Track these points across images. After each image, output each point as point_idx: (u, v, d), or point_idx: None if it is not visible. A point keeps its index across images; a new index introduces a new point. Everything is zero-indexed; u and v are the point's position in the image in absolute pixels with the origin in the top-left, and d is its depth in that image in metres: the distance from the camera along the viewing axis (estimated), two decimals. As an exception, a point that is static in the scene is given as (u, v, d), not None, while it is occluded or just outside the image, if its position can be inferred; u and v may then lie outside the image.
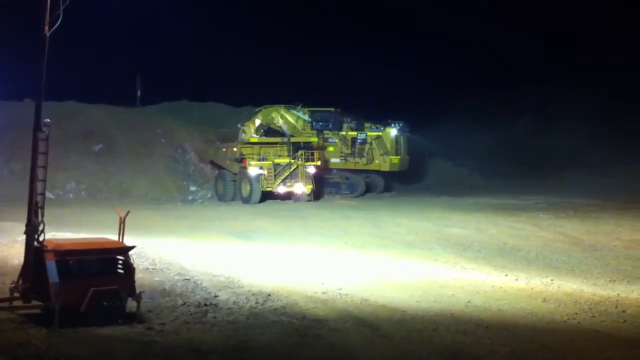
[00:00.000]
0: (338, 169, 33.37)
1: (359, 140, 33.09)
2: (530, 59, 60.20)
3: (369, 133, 33.04)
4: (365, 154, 32.92)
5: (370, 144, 32.95)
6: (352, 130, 33.50)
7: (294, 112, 33.30)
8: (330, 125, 33.26)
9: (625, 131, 46.91)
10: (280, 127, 32.75)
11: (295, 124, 32.98)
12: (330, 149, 33.18)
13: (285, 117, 32.88)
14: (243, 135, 32.52)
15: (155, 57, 54.32)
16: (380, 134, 32.92)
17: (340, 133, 33.20)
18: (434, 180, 39.99)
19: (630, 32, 54.50)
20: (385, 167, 33.14)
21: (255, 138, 30.89)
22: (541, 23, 60.21)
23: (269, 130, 32.75)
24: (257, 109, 33.40)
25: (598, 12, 56.79)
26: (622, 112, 48.61)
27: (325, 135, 33.07)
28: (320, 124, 33.18)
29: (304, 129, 32.90)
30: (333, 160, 33.22)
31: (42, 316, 9.32)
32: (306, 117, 33.21)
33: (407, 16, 64.89)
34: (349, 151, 32.99)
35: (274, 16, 63.25)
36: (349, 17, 64.98)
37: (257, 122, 32.72)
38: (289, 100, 33.75)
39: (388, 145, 32.82)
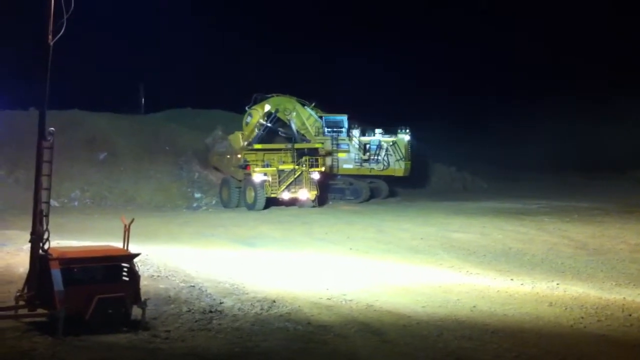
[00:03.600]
0: (347, 175, 33.32)
1: (372, 146, 33.26)
2: (534, 63, 60.31)
3: (382, 139, 33.23)
4: (381, 160, 33.08)
5: (387, 149, 33.15)
6: (362, 136, 33.64)
7: (307, 108, 33.34)
8: (343, 131, 33.38)
9: (630, 134, 46.86)
10: (288, 119, 32.75)
11: (305, 120, 32.99)
12: (342, 154, 33.18)
13: (297, 111, 32.93)
14: (249, 119, 32.45)
15: (159, 65, 54.57)
16: (395, 139, 33.18)
17: (355, 139, 33.28)
18: (437, 185, 39.99)
19: (633, 35, 54.63)
20: (400, 173, 33.42)
21: (257, 145, 30.77)
22: (545, 32, 60.40)
23: (276, 120, 32.81)
24: (268, 95, 33.28)
25: (600, 18, 56.92)
26: (626, 115, 48.56)
27: (340, 141, 33.09)
28: (333, 129, 33.29)
29: (314, 129, 32.86)
30: (345, 166, 33.22)
31: (47, 324, 9.32)
32: (317, 117, 33.23)
33: (409, 18, 65.03)
34: (365, 157, 33.09)
35: (275, 22, 63.49)
36: (347, 19, 65.17)
37: (267, 107, 32.61)
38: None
39: (403, 151, 33.05)
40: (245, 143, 32.04)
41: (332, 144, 32.75)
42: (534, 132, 52.66)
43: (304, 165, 29.68)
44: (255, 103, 33.28)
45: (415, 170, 34.92)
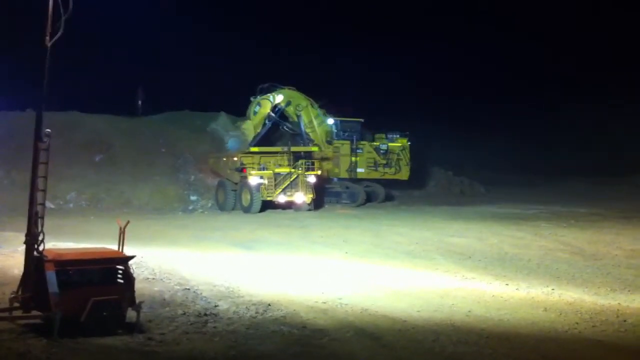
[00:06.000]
0: (344, 179, 33.47)
1: (381, 151, 33.67)
2: (532, 69, 60.40)
3: (390, 144, 33.67)
4: (393, 164, 33.55)
5: (398, 154, 33.60)
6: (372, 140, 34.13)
7: (317, 108, 33.40)
8: (358, 136, 33.62)
9: (625, 140, 46.96)
10: (298, 115, 32.64)
11: (313, 119, 33.02)
12: (353, 158, 33.37)
13: (307, 110, 32.95)
14: (258, 108, 32.10)
15: (157, 67, 54.47)
16: (404, 143, 33.75)
17: (369, 143, 33.64)
18: (434, 189, 40.01)
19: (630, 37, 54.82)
20: (406, 176, 34.38)
21: (254, 148, 30.56)
22: (545, 35, 60.48)
23: (281, 116, 32.83)
24: (280, 86, 33.06)
25: (597, 22, 57.06)
26: (620, 120, 48.71)
27: (359, 146, 33.31)
28: (347, 133, 33.51)
29: (321, 131, 32.88)
30: (358, 170, 33.49)
31: (42, 326, 9.30)
32: (324, 116, 33.32)
33: (407, 21, 64.97)
34: (384, 161, 33.47)
35: (275, 23, 63.50)
36: (348, 20, 65.14)
37: (279, 98, 32.28)
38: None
39: (409, 155, 33.82)
40: (255, 133, 31.91)
41: (352, 148, 33.04)
42: (534, 136, 52.79)
43: (300, 169, 29.69)
44: (261, 93, 33.01)
45: (412, 174, 35.30)
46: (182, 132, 37.10)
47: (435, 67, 58.96)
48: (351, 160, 33.08)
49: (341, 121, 33.64)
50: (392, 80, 56.21)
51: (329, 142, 33.10)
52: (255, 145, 31.18)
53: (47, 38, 9.69)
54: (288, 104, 32.89)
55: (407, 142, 34.18)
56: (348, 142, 33.16)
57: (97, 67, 52.32)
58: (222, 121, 33.43)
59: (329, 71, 53.94)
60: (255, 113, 32.22)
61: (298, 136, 33.44)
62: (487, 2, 63.08)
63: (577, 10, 58.17)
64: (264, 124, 32.44)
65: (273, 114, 32.52)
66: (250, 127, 31.93)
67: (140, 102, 42.97)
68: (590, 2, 58.13)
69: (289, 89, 33.03)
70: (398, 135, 34.25)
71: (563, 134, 52.83)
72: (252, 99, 32.82)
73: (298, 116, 33.02)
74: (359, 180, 33.47)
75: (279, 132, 34.46)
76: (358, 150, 33.36)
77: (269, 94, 32.45)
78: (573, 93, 54.61)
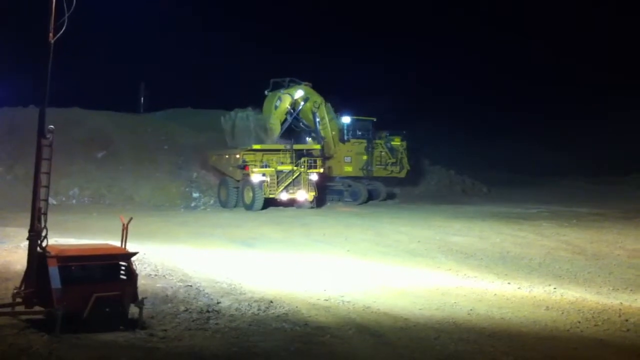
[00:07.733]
0: (346, 177, 33.55)
1: (387, 149, 34.04)
2: (533, 69, 60.44)
3: (392, 143, 33.89)
4: (398, 162, 33.87)
5: (401, 152, 33.83)
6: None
7: (329, 106, 33.53)
8: (370, 135, 33.78)
9: (625, 139, 46.94)
10: (314, 112, 32.69)
11: (326, 116, 33.13)
12: (365, 157, 33.45)
13: (321, 108, 33.03)
14: (278, 102, 32.07)
15: (159, 64, 54.58)
16: (404, 143, 34.02)
17: (381, 142, 33.85)
18: (436, 188, 40.03)
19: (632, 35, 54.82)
20: (404, 174, 34.77)
21: (256, 145, 30.53)
22: (544, 36, 60.53)
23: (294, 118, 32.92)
24: (299, 81, 32.94)
25: (595, 19, 57.07)
26: (621, 120, 48.70)
27: (374, 145, 33.52)
28: (361, 132, 33.68)
29: (331, 128, 32.90)
30: (371, 168, 33.75)
31: (44, 322, 9.31)
32: (335, 115, 33.42)
33: (408, 19, 65.06)
34: (393, 159, 33.78)
35: (276, 22, 63.62)
36: (347, 21, 65.29)
37: (299, 94, 32.28)
38: None
39: (407, 153, 34.23)
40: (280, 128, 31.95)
41: (368, 146, 33.18)
42: (534, 136, 52.76)
43: (303, 166, 29.70)
44: (275, 87, 33.04)
45: (414, 172, 35.46)
46: (184, 129, 37.14)
47: (436, 66, 59.11)
48: (366, 159, 33.27)
49: (356, 119, 33.83)
50: (393, 79, 56.37)
51: (342, 141, 33.19)
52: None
53: (51, 34, 9.69)
54: (306, 100, 32.96)
55: (402, 140, 34.40)
56: (364, 140, 33.37)
57: (99, 63, 52.45)
58: (247, 114, 33.47)
59: (329, 71, 54.07)
60: (276, 107, 32.26)
61: (304, 133, 33.53)
62: (488, 2, 63.18)
63: (577, 10, 58.20)
64: (285, 120, 32.55)
65: (292, 110, 32.59)
66: (277, 122, 32.00)
67: (142, 98, 43.10)
68: (591, 2, 58.19)
69: (306, 84, 33.13)
70: (388, 134, 34.49)
71: (563, 133, 52.81)
72: (266, 92, 32.81)
73: (314, 113, 33.08)
74: (360, 179, 33.51)
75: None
76: (372, 149, 33.57)
77: (291, 89, 32.49)
78: (573, 92, 54.69)
